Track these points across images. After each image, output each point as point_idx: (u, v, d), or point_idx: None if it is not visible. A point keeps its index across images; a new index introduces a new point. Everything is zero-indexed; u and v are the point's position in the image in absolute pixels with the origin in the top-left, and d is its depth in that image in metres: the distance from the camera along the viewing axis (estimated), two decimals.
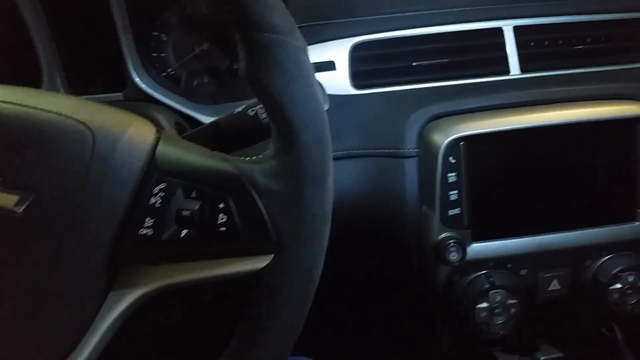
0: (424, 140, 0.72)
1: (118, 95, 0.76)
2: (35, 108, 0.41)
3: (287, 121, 0.40)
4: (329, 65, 0.75)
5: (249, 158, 0.43)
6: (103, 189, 0.40)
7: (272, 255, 0.42)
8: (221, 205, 0.41)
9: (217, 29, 0.78)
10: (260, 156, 0.43)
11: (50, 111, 0.41)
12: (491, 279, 0.72)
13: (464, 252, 0.69)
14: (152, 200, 0.41)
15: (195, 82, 0.79)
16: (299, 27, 0.77)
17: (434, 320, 0.93)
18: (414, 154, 0.72)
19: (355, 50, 0.75)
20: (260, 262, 0.42)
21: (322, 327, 0.87)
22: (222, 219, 0.41)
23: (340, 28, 0.76)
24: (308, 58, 0.41)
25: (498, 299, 0.72)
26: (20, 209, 0.39)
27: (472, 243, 0.71)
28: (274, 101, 0.40)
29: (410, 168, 0.72)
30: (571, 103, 0.73)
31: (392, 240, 0.76)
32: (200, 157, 0.43)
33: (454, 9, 0.77)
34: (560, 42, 0.78)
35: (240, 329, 0.44)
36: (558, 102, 0.73)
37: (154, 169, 0.41)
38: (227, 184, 0.41)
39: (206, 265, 0.43)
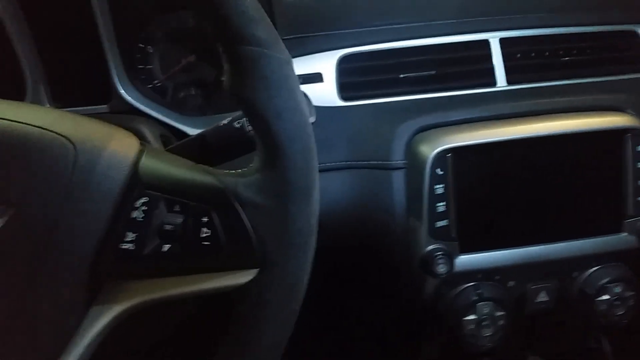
0: (411, 152, 0.72)
1: (103, 108, 0.76)
2: (15, 121, 0.40)
3: (272, 135, 0.40)
4: (316, 77, 0.75)
5: (233, 171, 0.43)
6: (84, 203, 0.39)
7: (257, 270, 0.42)
8: (204, 219, 0.41)
9: (203, 41, 0.77)
10: (245, 169, 0.43)
11: (31, 125, 0.40)
12: (479, 291, 0.72)
13: (452, 264, 0.69)
14: (134, 214, 0.41)
15: (182, 94, 0.79)
16: (286, 39, 0.77)
17: (422, 332, 0.93)
18: (402, 166, 0.72)
19: (342, 62, 0.75)
20: (244, 277, 0.42)
21: (310, 339, 0.87)
22: (206, 233, 0.41)
23: (328, 40, 0.76)
24: (293, 71, 0.41)
25: (486, 311, 0.72)
26: (1, 223, 0.38)
27: (459, 255, 0.71)
28: (259, 115, 0.40)
29: (398, 180, 0.72)
30: (558, 114, 0.73)
31: (380, 252, 0.76)
32: (184, 171, 0.42)
33: (440, 22, 0.77)
34: (547, 54, 0.78)
35: (224, 345, 0.44)
36: (545, 114, 0.73)
37: (136, 182, 0.41)
38: (210, 197, 0.41)
39: (189, 280, 0.42)
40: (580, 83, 0.78)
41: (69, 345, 0.40)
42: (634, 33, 0.80)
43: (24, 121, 0.40)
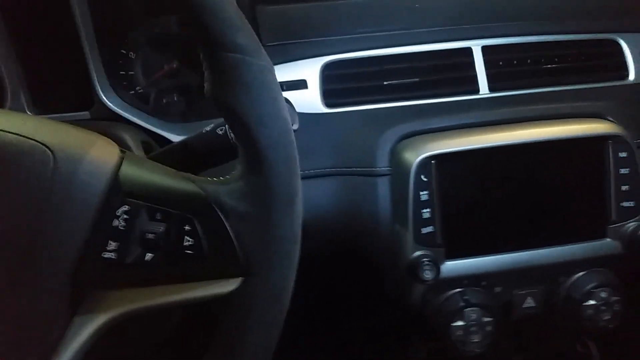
0: (395, 159, 0.72)
1: (85, 114, 0.75)
2: None
3: (254, 142, 0.39)
4: (300, 84, 0.75)
5: (215, 179, 0.42)
6: (65, 212, 0.39)
7: (241, 278, 0.41)
8: (187, 228, 0.40)
9: (186, 47, 0.77)
10: (227, 177, 0.42)
11: (9, 132, 0.40)
12: (466, 297, 0.72)
13: (438, 270, 0.69)
14: (116, 222, 0.40)
15: (165, 101, 0.78)
16: (270, 46, 0.77)
17: (410, 338, 0.93)
18: (386, 172, 0.72)
19: (326, 69, 0.75)
20: (228, 286, 0.41)
21: (298, 345, 0.86)
22: (188, 241, 0.40)
23: (312, 47, 0.76)
24: (275, 78, 0.41)
25: (473, 317, 0.72)
26: None
27: (445, 261, 0.71)
28: (240, 122, 0.39)
29: (383, 186, 0.72)
30: (540, 121, 0.74)
31: (366, 259, 0.76)
32: (165, 178, 0.42)
33: (423, 30, 0.77)
34: (529, 61, 0.79)
35: (209, 353, 0.43)
36: (527, 121, 0.74)
37: (117, 190, 0.40)
38: (192, 205, 0.41)
39: (173, 290, 0.42)
40: (562, 90, 0.79)
41: (52, 356, 0.39)
42: (615, 42, 0.80)
43: (1, 128, 0.40)
